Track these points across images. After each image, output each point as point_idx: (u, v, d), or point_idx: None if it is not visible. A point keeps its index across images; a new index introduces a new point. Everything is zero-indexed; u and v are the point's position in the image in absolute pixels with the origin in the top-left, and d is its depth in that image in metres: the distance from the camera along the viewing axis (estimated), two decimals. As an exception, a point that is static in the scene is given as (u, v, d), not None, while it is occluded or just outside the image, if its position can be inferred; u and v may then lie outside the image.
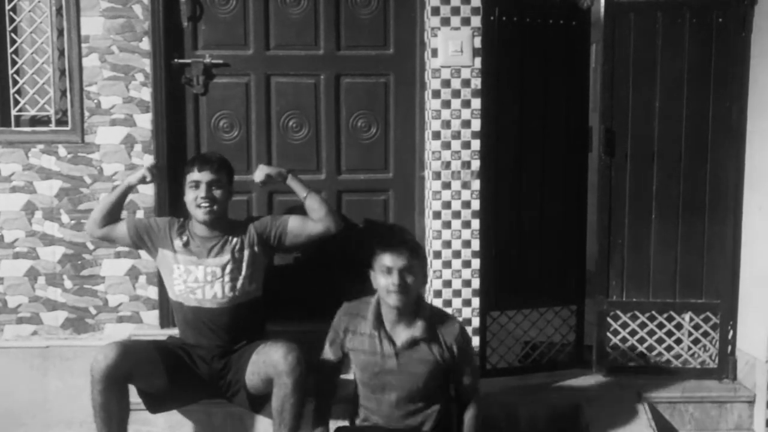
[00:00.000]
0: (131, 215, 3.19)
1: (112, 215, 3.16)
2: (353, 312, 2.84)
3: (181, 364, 3.01)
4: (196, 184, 3.03)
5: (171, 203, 3.49)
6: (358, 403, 2.91)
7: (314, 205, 3.15)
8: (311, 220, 3.16)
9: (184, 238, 3.10)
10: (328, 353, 2.90)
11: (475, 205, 3.45)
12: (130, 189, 3.18)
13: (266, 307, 3.23)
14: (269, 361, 2.86)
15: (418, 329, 2.75)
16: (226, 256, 3.07)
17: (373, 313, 2.78)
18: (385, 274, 2.70)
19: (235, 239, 3.10)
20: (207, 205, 3.02)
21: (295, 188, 3.21)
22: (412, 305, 2.76)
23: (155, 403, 3.04)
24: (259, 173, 3.23)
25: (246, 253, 3.09)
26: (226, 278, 3.06)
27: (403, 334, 2.76)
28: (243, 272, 3.08)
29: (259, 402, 3.04)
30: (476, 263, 3.47)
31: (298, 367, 2.82)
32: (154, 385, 2.96)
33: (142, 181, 3.18)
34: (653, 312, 3.61)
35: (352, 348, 2.83)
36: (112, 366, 2.78)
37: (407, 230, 3.60)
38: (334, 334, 2.88)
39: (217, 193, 3.04)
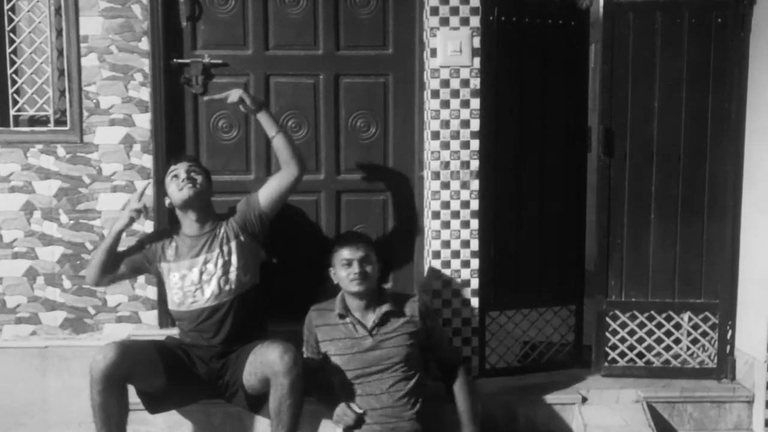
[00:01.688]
0: (127, 260, 3.13)
1: (109, 263, 3.09)
2: (321, 308, 3.07)
3: (180, 364, 3.01)
4: (176, 174, 3.09)
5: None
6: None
7: (280, 144, 3.13)
8: (276, 175, 3.18)
9: (173, 245, 3.11)
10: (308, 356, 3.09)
11: (474, 205, 3.45)
12: (120, 235, 3.09)
13: (267, 305, 3.23)
14: (266, 362, 2.86)
15: (386, 306, 3.00)
16: (216, 251, 3.08)
17: (340, 303, 3.02)
18: (345, 266, 2.97)
19: (221, 231, 3.11)
20: (190, 185, 3.05)
21: (264, 124, 3.16)
22: (376, 294, 3.02)
23: (154, 404, 3.04)
24: (234, 94, 3.14)
25: (233, 244, 3.10)
26: (219, 272, 3.07)
27: (372, 317, 3.00)
28: (234, 263, 3.09)
29: (258, 402, 3.04)
30: (475, 263, 3.47)
31: (294, 368, 2.81)
32: (154, 385, 2.96)
33: (129, 224, 3.10)
34: (652, 312, 3.61)
35: (328, 339, 3.01)
36: (111, 366, 2.77)
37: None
38: (307, 334, 3.09)
39: (198, 177, 3.09)
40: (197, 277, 3.07)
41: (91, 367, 2.79)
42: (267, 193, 3.16)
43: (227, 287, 3.07)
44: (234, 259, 3.09)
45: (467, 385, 3.05)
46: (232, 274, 3.08)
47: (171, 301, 3.14)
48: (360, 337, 2.99)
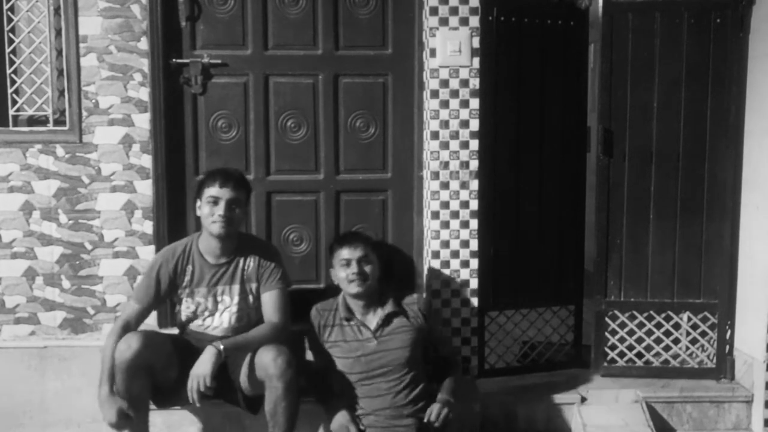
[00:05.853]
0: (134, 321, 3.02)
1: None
2: (324, 308, 3.07)
3: (190, 361, 3.00)
4: (215, 201, 2.97)
5: (169, 203, 3.49)
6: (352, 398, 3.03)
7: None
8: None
9: (190, 269, 3.08)
10: (313, 357, 3.10)
11: (474, 205, 3.46)
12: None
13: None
14: (260, 365, 2.87)
15: (388, 306, 3.01)
16: (236, 285, 3.06)
17: (342, 305, 3.03)
18: (344, 266, 2.98)
19: (243, 264, 3.08)
20: (223, 223, 2.96)
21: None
22: (377, 294, 3.03)
23: (163, 397, 3.03)
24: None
25: (253, 286, 3.09)
26: (234, 308, 3.07)
27: (375, 318, 3.01)
28: (251, 303, 3.09)
29: (255, 403, 3.04)
30: (474, 263, 3.47)
31: (288, 370, 2.82)
32: (167, 378, 2.96)
33: None
34: (651, 312, 3.61)
35: (332, 341, 3.01)
36: (136, 355, 2.78)
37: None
38: (310, 334, 3.11)
39: (236, 211, 3.01)
40: (212, 305, 3.07)
41: (115, 357, 2.80)
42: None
43: (237, 324, 3.07)
44: (251, 299, 3.09)
45: (460, 380, 3.06)
46: (245, 312, 3.08)
47: (179, 313, 3.15)
48: (364, 339, 2.98)
